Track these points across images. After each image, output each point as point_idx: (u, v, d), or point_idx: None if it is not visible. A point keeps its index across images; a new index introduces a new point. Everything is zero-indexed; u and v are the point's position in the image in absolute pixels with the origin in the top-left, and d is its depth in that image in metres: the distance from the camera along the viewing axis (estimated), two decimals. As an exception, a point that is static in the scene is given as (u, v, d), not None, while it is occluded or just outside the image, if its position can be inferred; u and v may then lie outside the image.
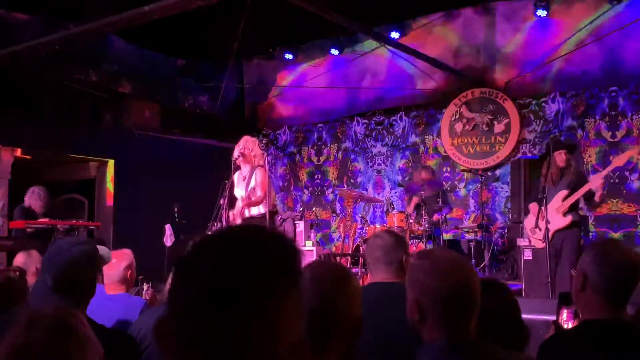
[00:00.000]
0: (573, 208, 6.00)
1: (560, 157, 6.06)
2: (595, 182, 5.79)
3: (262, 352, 0.87)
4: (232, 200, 6.36)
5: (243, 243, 0.93)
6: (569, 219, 5.86)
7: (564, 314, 2.32)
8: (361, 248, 7.84)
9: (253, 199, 6.03)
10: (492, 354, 1.83)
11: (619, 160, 6.03)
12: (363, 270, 7.66)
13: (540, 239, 6.09)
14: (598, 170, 7.97)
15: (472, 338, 1.82)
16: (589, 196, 5.90)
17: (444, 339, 1.76)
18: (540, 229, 6.04)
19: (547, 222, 5.89)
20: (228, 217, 6.15)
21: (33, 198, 7.32)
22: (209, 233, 0.96)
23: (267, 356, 0.88)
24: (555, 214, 5.96)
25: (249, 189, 6.08)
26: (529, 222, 6.32)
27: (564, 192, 5.96)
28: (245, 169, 6.25)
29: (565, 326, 2.33)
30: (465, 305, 1.80)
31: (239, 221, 6.13)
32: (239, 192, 6.25)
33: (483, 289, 2.10)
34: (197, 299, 0.88)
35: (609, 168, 6.15)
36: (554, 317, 2.46)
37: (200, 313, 0.87)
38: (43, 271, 2.31)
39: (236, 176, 6.30)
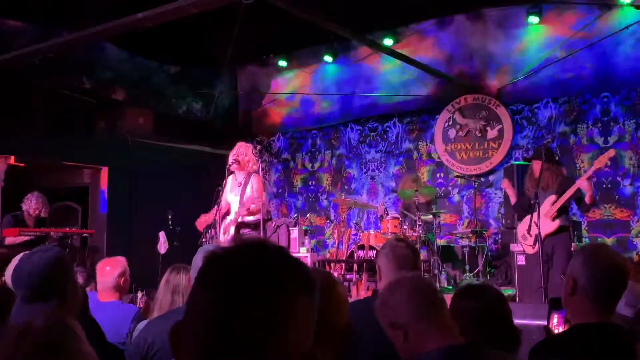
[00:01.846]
0: (562, 212, 6.02)
1: (536, 166, 6.16)
2: (581, 184, 5.83)
3: (278, 354, 0.91)
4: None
5: (265, 260, 0.96)
6: (557, 223, 5.90)
7: (555, 319, 2.33)
8: (355, 255, 7.85)
9: (253, 207, 6.02)
10: (488, 357, 1.84)
11: (599, 163, 6.04)
12: (357, 276, 7.67)
13: (530, 245, 6.13)
14: (591, 175, 8.01)
15: (464, 341, 1.83)
16: (579, 199, 5.92)
17: (439, 346, 1.77)
18: (530, 235, 6.08)
19: (538, 227, 5.90)
20: (222, 224, 6.14)
21: (32, 200, 7.25)
22: (229, 246, 1.00)
23: (282, 358, 0.92)
24: (544, 218, 5.98)
25: (244, 196, 6.07)
26: (520, 228, 6.35)
27: (553, 197, 6.00)
28: (239, 175, 6.25)
29: (556, 331, 2.34)
30: (437, 305, 1.85)
31: (232, 229, 6.13)
32: (233, 197, 6.25)
33: (473, 293, 2.12)
34: (215, 309, 0.92)
35: (591, 170, 6.13)
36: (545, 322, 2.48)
37: (217, 323, 0.91)
38: (14, 287, 2.27)
39: (229, 181, 6.29)
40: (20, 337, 1.44)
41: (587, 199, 5.83)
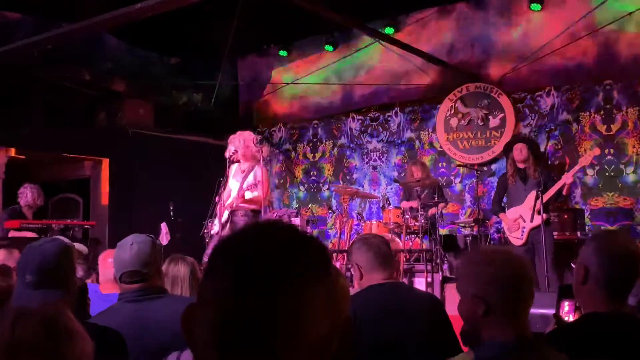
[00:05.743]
0: (545, 206, 6.28)
1: (517, 150, 6.61)
2: (567, 180, 6.32)
3: (291, 344, 0.88)
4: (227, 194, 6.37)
5: (280, 240, 0.93)
6: (542, 217, 6.19)
7: (565, 306, 2.31)
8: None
9: (252, 196, 6.02)
10: (548, 355, 1.81)
11: (584, 160, 6.69)
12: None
13: (518, 238, 6.56)
14: (594, 163, 8.00)
15: (531, 335, 1.81)
16: (558, 192, 6.41)
17: (509, 335, 1.74)
18: (518, 228, 6.57)
19: (524, 220, 6.46)
20: (220, 209, 6.16)
21: (27, 193, 7.27)
22: (245, 228, 0.97)
23: (296, 348, 0.89)
24: (529, 212, 6.35)
25: (245, 184, 6.07)
26: (507, 222, 6.73)
27: (534, 193, 6.30)
28: (244, 164, 6.27)
29: (566, 319, 2.31)
30: (526, 293, 1.82)
31: (226, 213, 6.14)
32: (234, 183, 6.25)
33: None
34: (229, 290, 0.89)
35: (577, 167, 6.69)
36: (549, 311, 2.45)
37: (231, 304, 0.88)
38: (19, 272, 2.33)
39: (234, 168, 6.30)
40: (16, 321, 1.43)
41: (564, 191, 6.45)
